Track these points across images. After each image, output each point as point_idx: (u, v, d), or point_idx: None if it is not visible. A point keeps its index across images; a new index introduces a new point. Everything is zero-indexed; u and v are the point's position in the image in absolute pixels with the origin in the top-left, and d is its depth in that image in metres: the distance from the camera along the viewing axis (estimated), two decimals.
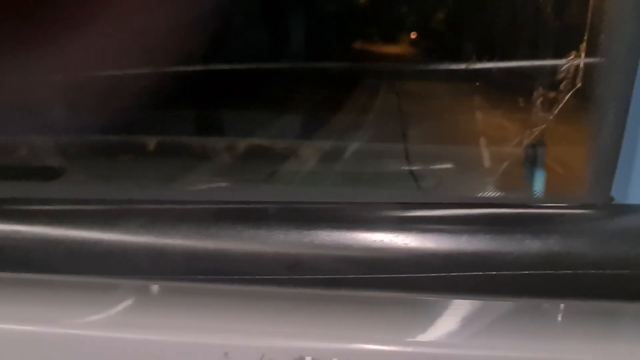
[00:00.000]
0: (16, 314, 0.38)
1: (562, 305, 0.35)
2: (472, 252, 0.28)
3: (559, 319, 0.35)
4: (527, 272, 0.27)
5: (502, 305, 0.34)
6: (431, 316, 0.33)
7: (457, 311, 0.34)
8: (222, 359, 0.34)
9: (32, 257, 0.34)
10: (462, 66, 0.44)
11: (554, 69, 0.43)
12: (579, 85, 0.42)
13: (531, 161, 0.41)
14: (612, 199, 0.38)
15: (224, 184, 0.46)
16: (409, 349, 0.32)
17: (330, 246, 0.30)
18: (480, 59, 0.43)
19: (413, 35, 0.55)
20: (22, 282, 0.40)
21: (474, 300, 0.34)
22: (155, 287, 0.39)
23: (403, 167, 0.52)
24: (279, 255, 0.31)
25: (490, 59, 0.43)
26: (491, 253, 0.28)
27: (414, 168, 0.52)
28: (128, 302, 0.38)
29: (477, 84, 0.44)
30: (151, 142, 0.57)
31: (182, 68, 0.58)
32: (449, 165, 0.52)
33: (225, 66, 0.59)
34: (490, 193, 0.43)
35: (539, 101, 0.43)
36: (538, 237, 0.27)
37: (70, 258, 0.33)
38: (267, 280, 0.31)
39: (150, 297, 0.38)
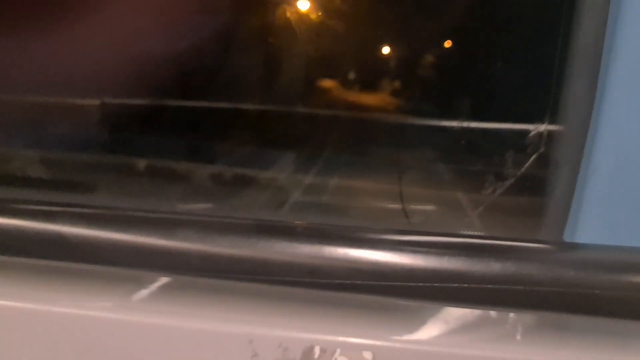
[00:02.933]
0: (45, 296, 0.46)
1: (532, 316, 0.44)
2: (451, 269, 0.38)
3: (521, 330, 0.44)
4: (490, 285, 0.37)
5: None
6: (421, 319, 0.43)
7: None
8: (247, 344, 0.43)
9: (102, 254, 0.43)
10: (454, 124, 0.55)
11: (524, 134, 0.53)
12: (542, 149, 0.53)
13: None
14: (563, 241, 0.48)
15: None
16: (398, 345, 0.41)
17: (343, 258, 0.40)
18: (468, 119, 0.54)
19: (403, 88, 0.65)
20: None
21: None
22: (184, 281, 0.47)
23: (396, 206, 0.62)
24: (303, 263, 0.40)
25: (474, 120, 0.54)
26: (464, 270, 0.38)
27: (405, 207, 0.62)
28: (156, 290, 0.46)
29: (462, 142, 0.55)
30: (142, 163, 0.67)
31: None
32: (433, 207, 0.63)
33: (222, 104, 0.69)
34: (467, 230, 0.53)
35: (510, 160, 0.53)
36: (499, 260, 0.37)
37: (137, 256, 0.42)
38: (292, 282, 0.41)
39: (179, 288, 0.47)
